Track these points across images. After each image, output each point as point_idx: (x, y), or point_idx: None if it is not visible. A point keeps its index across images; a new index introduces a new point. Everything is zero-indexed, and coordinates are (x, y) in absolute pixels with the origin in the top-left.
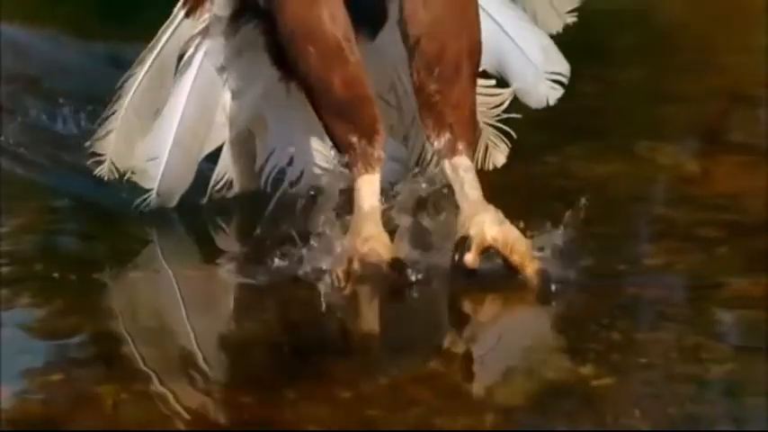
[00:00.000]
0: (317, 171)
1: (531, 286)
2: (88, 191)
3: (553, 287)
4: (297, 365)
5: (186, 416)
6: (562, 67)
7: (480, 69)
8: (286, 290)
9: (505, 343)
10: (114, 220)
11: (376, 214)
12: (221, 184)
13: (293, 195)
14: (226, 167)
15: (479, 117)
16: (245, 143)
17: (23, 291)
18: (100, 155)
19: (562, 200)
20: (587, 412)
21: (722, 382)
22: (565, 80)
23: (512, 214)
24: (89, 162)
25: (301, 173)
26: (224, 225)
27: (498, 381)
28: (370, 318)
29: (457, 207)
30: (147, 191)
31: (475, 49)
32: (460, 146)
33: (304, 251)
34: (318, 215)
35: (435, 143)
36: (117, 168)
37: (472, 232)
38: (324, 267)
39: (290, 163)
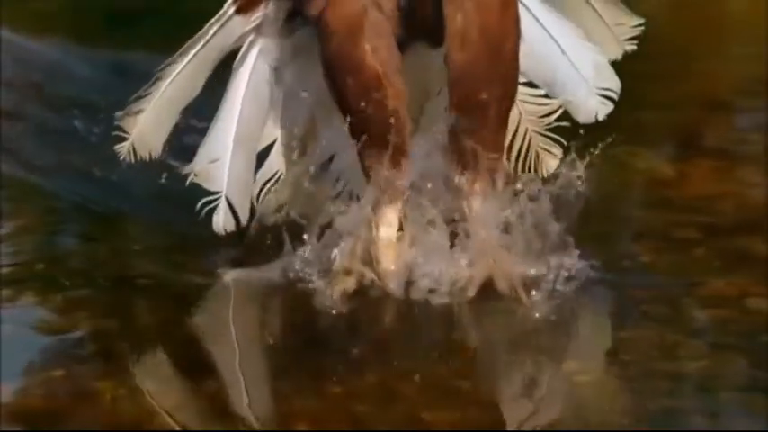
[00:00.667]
0: (356, 180)
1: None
2: (89, 194)
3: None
4: (288, 362)
5: (180, 410)
6: (613, 83)
7: (528, 81)
8: (278, 290)
9: (490, 340)
10: (115, 222)
11: (392, 245)
12: (269, 184)
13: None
14: (275, 167)
15: (528, 125)
16: (295, 145)
17: (25, 289)
18: (125, 132)
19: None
20: (569, 406)
21: (697, 377)
22: (615, 96)
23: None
24: (116, 132)
25: (341, 179)
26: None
27: (482, 377)
28: (358, 317)
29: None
30: (210, 193)
31: (507, 96)
32: (478, 187)
33: (301, 258)
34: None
35: (456, 179)
36: (135, 152)
37: (475, 276)
38: (328, 280)
39: (333, 168)
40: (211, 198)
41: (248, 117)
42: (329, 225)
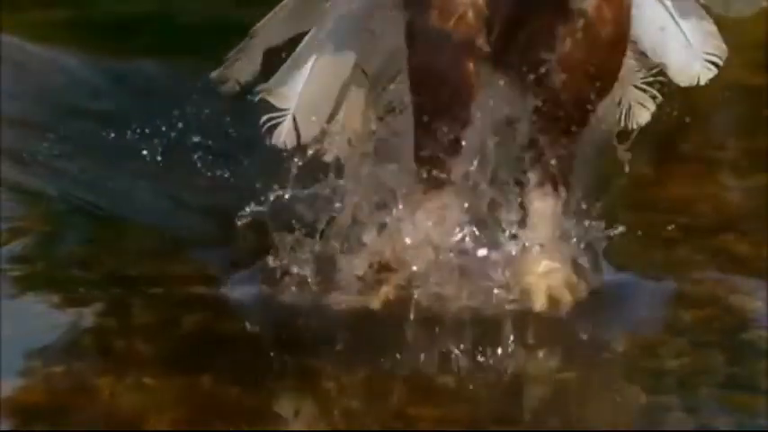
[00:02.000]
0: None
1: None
2: (89, 196)
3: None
4: (281, 360)
5: (178, 406)
6: (720, 50)
7: (632, 40)
8: (271, 288)
9: (475, 339)
10: (114, 224)
11: (424, 235)
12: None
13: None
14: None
15: (625, 77)
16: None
17: (26, 288)
18: (225, 77)
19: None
20: (551, 403)
21: (677, 374)
22: (720, 62)
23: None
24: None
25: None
26: (219, 227)
27: (467, 374)
28: (350, 317)
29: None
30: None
31: (594, 110)
32: (547, 190)
33: (295, 256)
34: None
35: (525, 176)
36: (240, 83)
37: (528, 288)
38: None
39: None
40: (276, 114)
41: (332, 50)
42: (326, 225)
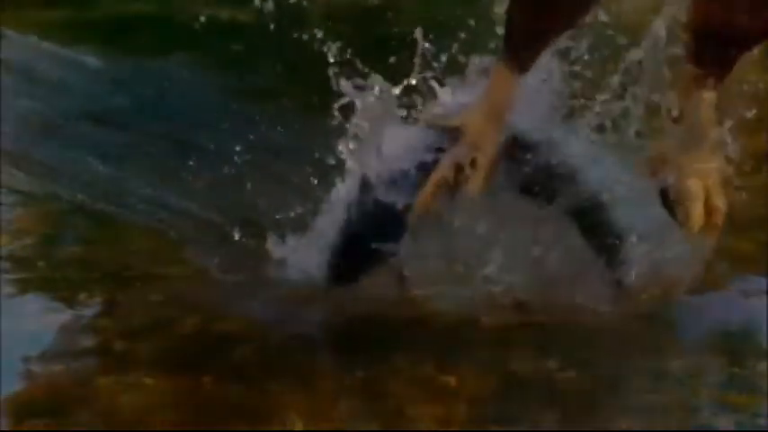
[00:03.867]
0: None
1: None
2: (88, 197)
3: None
4: (282, 359)
5: (177, 405)
6: None
7: None
8: (270, 288)
9: (474, 338)
10: (113, 224)
11: (499, 110)
12: None
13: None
14: None
15: None
16: None
17: (26, 288)
18: None
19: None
20: (551, 403)
21: (679, 374)
22: None
23: None
24: None
25: None
26: (218, 227)
27: (467, 374)
28: (350, 317)
29: None
30: None
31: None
32: (710, 81)
33: (293, 257)
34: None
35: (688, 68)
36: None
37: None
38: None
39: None
40: None
41: None
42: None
